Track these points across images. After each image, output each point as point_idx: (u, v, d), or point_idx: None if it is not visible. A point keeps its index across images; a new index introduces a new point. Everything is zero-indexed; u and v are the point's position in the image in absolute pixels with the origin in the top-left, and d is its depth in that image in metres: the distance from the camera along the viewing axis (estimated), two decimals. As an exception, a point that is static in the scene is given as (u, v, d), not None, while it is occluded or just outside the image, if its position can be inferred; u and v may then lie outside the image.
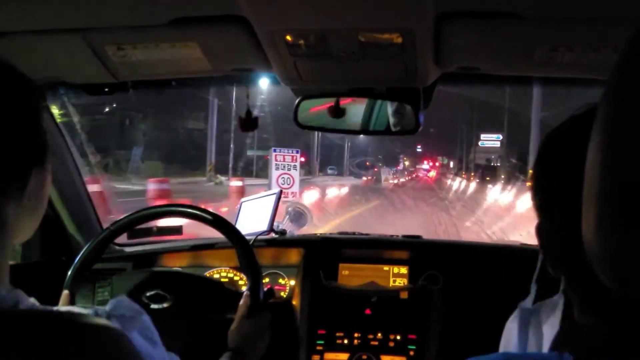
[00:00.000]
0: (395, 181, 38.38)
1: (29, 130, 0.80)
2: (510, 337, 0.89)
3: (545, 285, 0.86)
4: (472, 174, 42.57)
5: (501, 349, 0.93)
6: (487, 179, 34.65)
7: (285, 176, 12.98)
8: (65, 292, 1.65)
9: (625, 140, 0.44)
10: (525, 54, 1.23)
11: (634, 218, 0.43)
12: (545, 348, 0.67)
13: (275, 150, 13.29)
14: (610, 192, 0.45)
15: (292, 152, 13.32)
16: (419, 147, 47.94)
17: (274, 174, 13.05)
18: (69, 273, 1.69)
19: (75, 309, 0.78)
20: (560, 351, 0.61)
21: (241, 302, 1.61)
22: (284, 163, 13.08)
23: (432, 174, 46.05)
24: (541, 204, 0.71)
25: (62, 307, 1.50)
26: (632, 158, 0.43)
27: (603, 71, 1.24)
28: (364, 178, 37.91)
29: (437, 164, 51.58)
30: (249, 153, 36.03)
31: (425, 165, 49.69)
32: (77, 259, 1.73)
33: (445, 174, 48.71)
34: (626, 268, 0.45)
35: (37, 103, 0.83)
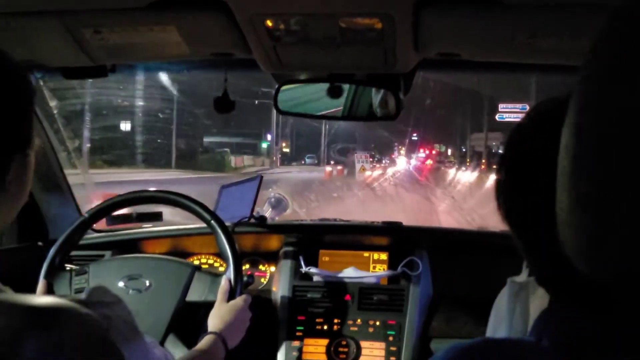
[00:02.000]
0: (375, 173, 28.89)
1: (11, 116, 0.79)
2: (498, 312, 0.90)
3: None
4: (483, 162, 34.30)
5: (490, 324, 0.94)
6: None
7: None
8: (43, 281, 1.64)
9: (599, 122, 0.44)
10: (505, 40, 1.24)
11: (609, 200, 0.43)
12: (530, 327, 0.67)
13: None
14: (584, 174, 0.45)
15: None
16: (414, 135, 46.48)
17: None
18: (46, 262, 1.68)
19: (51, 297, 0.77)
20: (538, 336, 0.62)
21: (221, 286, 1.61)
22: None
23: (429, 162, 43.55)
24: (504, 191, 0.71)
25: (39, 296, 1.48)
26: (606, 140, 0.43)
27: (582, 58, 1.25)
28: (338, 167, 30.49)
29: (433, 151, 49.14)
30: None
31: (421, 153, 47.34)
32: (54, 246, 1.71)
33: (444, 163, 44.95)
34: (601, 253, 0.46)
35: (24, 89, 0.82)
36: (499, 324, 0.89)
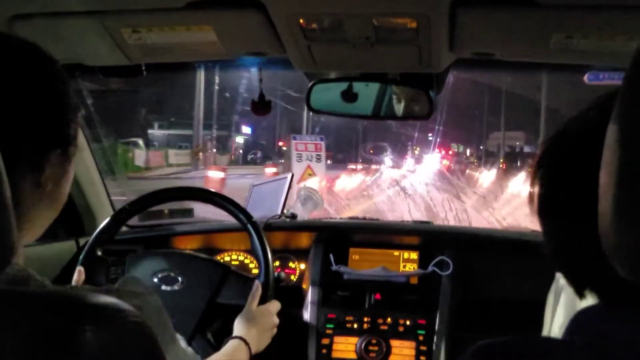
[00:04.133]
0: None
1: (47, 110, 0.79)
2: (548, 308, 0.90)
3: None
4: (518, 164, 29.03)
5: (546, 320, 0.94)
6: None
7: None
8: (79, 268, 1.67)
9: None
10: (540, 41, 1.22)
11: None
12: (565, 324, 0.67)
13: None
14: (629, 180, 0.45)
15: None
16: (430, 135, 44.78)
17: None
18: (83, 252, 1.71)
19: (86, 287, 0.78)
20: (571, 336, 0.61)
21: (252, 290, 1.61)
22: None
23: (445, 162, 39.32)
24: (549, 202, 0.70)
25: (74, 285, 1.51)
26: None
27: (618, 59, 1.23)
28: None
29: (450, 152, 46.38)
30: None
31: (437, 153, 43.60)
32: (91, 238, 1.75)
33: (464, 165, 39.05)
34: None
35: (60, 84, 0.81)
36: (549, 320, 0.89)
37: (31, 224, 0.81)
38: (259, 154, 36.62)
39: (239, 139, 40.13)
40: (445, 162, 40.20)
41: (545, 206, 0.70)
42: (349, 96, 1.62)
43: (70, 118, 0.82)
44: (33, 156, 0.77)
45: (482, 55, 1.34)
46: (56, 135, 0.80)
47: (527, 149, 35.78)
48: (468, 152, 49.84)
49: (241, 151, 38.81)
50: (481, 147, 44.88)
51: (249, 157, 36.54)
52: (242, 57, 1.47)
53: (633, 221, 0.45)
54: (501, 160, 34.90)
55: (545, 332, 0.94)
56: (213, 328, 1.65)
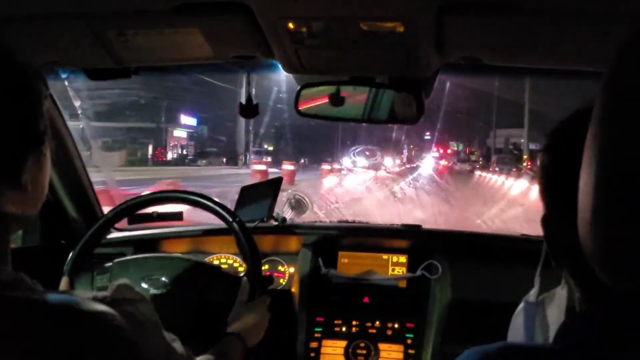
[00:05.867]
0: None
1: (22, 114, 0.80)
2: (516, 332, 0.90)
3: (547, 277, 0.87)
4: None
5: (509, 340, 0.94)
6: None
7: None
8: (65, 278, 1.67)
9: (621, 133, 0.44)
10: (528, 45, 1.23)
11: (628, 211, 0.43)
12: (552, 339, 0.67)
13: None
14: (606, 185, 0.45)
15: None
16: (427, 134, 42.89)
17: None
18: (69, 258, 1.70)
19: (73, 295, 0.78)
20: (563, 342, 0.61)
21: (241, 287, 1.62)
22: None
23: (443, 162, 36.00)
24: (548, 196, 0.71)
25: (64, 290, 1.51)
26: (628, 151, 0.43)
27: (605, 64, 1.24)
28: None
29: (448, 150, 43.88)
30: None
31: (434, 152, 41.48)
32: (78, 244, 1.74)
33: (468, 162, 35.67)
34: (619, 262, 0.45)
35: (34, 87, 0.82)
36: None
37: (14, 226, 0.83)
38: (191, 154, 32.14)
39: (179, 133, 35.41)
40: (444, 162, 37.03)
41: (550, 191, 0.70)
42: (337, 100, 1.62)
43: (38, 115, 0.83)
44: (11, 163, 0.79)
45: (470, 60, 1.35)
46: (30, 139, 0.81)
47: (531, 146, 33.34)
48: (468, 150, 47.01)
49: (181, 149, 34.27)
50: (488, 145, 41.14)
51: (188, 158, 32.62)
52: (231, 59, 1.47)
53: (611, 224, 0.45)
54: (525, 157, 31.56)
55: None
56: (206, 327, 1.65)
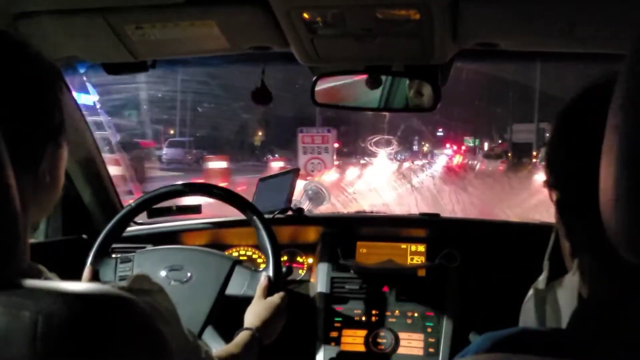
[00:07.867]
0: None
1: (41, 107, 0.81)
2: (527, 319, 0.90)
3: (557, 263, 0.86)
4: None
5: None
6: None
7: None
8: (89, 267, 1.69)
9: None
10: (544, 29, 1.22)
11: None
12: (564, 324, 0.67)
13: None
14: (629, 161, 0.45)
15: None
16: (440, 130, 41.11)
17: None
18: (92, 250, 1.73)
19: (96, 284, 0.79)
20: (579, 327, 0.61)
21: (260, 282, 1.62)
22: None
23: (458, 159, 29.77)
24: (558, 179, 0.71)
25: (84, 282, 1.52)
26: None
27: (622, 46, 1.23)
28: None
29: (462, 147, 38.78)
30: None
31: (448, 150, 37.20)
32: (100, 236, 1.76)
33: (498, 158, 29.48)
34: None
35: (52, 81, 0.84)
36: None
37: (35, 211, 0.84)
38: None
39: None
40: (458, 158, 30.58)
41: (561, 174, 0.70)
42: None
43: (55, 107, 0.84)
44: (29, 154, 0.80)
45: (486, 45, 1.34)
46: (47, 130, 0.83)
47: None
48: (486, 146, 40.70)
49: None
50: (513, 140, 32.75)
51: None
52: (247, 51, 1.47)
53: (634, 204, 0.45)
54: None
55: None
56: (223, 320, 1.66)
